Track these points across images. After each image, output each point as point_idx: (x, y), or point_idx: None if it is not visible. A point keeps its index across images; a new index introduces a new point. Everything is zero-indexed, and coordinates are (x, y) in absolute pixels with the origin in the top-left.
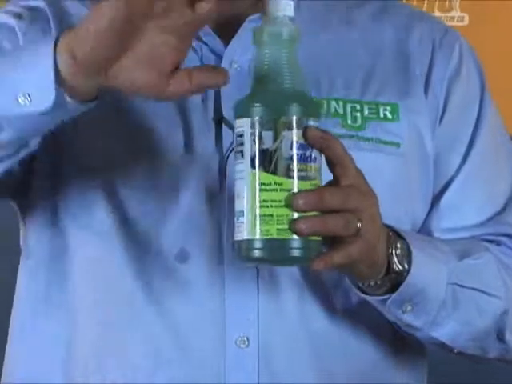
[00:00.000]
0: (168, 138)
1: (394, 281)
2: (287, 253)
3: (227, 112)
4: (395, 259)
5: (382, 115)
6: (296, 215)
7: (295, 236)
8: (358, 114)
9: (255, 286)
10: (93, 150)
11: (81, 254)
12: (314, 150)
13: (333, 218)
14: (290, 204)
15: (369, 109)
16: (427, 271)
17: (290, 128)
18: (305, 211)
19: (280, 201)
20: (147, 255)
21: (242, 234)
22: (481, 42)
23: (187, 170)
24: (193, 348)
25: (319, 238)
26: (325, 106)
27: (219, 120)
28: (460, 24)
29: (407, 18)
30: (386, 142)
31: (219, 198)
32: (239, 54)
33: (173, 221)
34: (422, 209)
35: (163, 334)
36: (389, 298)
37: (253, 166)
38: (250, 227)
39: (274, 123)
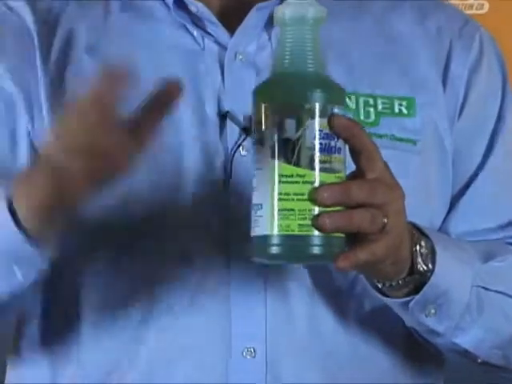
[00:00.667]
0: (167, 135)
1: (417, 281)
2: (309, 250)
3: (231, 106)
4: (419, 258)
5: (397, 110)
6: (318, 210)
7: (317, 232)
8: (371, 109)
9: (263, 293)
10: None
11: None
12: (339, 141)
13: (358, 212)
14: (312, 197)
15: (382, 103)
16: (452, 272)
17: (314, 116)
18: (329, 206)
19: (302, 194)
20: (152, 257)
21: (260, 228)
22: (500, 30)
23: (190, 168)
24: (197, 358)
25: (342, 235)
26: None
27: (223, 115)
28: (479, 12)
29: (424, 7)
30: (401, 139)
31: (224, 197)
32: (244, 45)
33: (175, 221)
34: (440, 209)
35: (170, 343)
36: (411, 301)
37: (273, 155)
38: (268, 222)
39: (297, 111)
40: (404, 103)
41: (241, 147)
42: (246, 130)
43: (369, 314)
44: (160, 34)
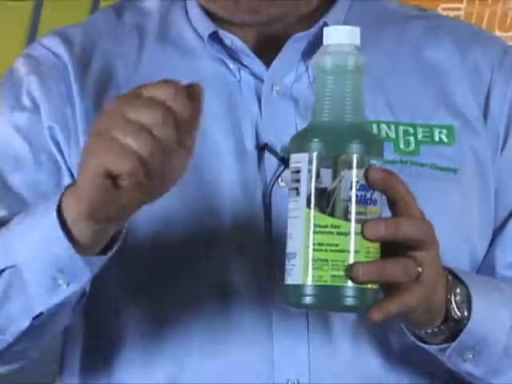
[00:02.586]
0: (207, 168)
1: (453, 328)
2: (342, 301)
3: (269, 137)
4: (454, 306)
5: (436, 138)
6: (352, 260)
7: (350, 283)
8: (411, 138)
9: (305, 328)
10: None
11: None
12: (376, 192)
13: (392, 264)
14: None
15: (422, 132)
16: (488, 318)
17: (351, 167)
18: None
19: (336, 245)
20: (191, 292)
21: (293, 277)
22: None
23: (229, 200)
24: None
25: (376, 286)
26: (375, 128)
27: (261, 147)
28: None
29: (464, 36)
30: (442, 168)
31: (264, 230)
32: (281, 76)
33: (216, 255)
34: (481, 240)
35: (213, 374)
36: (448, 347)
37: (308, 205)
38: (302, 271)
39: (334, 161)
40: (444, 131)
41: (279, 179)
42: (284, 162)
43: (412, 350)
44: (196, 67)
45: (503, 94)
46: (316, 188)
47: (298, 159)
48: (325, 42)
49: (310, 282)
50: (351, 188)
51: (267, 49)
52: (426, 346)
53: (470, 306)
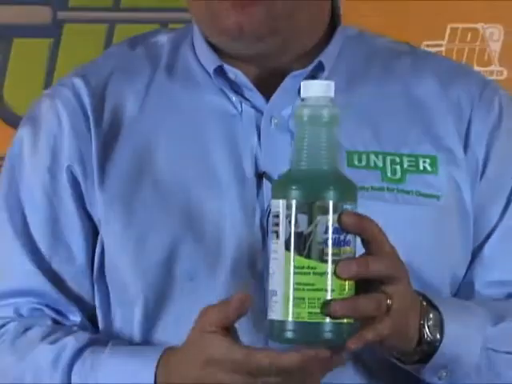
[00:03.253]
0: (209, 192)
1: (427, 350)
2: (320, 336)
3: (267, 166)
4: (427, 330)
5: (421, 167)
6: (329, 297)
7: (328, 319)
8: (398, 167)
9: None
10: None
11: None
12: (349, 234)
13: (365, 300)
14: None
15: (408, 161)
16: (460, 340)
17: (326, 212)
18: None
19: (313, 284)
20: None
21: (275, 313)
22: None
23: (230, 223)
24: None
25: (351, 320)
26: (364, 159)
27: (260, 174)
28: (499, 78)
29: (447, 72)
30: (426, 195)
31: (262, 255)
32: (279, 110)
33: (218, 276)
34: (462, 261)
35: None
36: (423, 367)
37: (287, 248)
38: (282, 308)
39: (310, 207)
40: (428, 161)
41: None
42: None
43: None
44: (201, 98)
45: (482, 126)
46: (294, 232)
47: (278, 205)
48: (302, 94)
49: (290, 318)
50: (326, 232)
51: (267, 83)
52: (404, 366)
53: (443, 329)
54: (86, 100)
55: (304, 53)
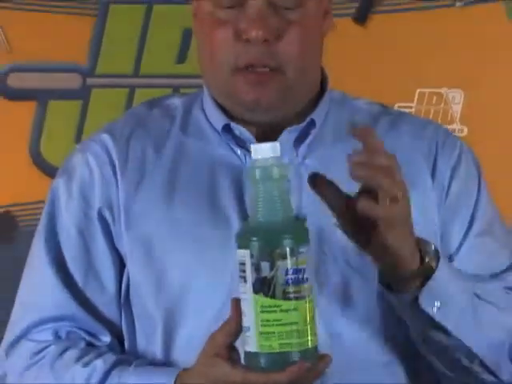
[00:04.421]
0: (220, 227)
1: (424, 275)
2: (290, 363)
3: None
4: (426, 255)
5: None
6: (295, 328)
7: (295, 348)
8: None
9: None
10: None
11: None
12: (306, 271)
13: (384, 170)
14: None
15: None
16: (452, 277)
17: (284, 257)
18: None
19: (280, 320)
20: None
21: (250, 346)
22: (479, 151)
23: (224, 251)
24: None
25: (316, 344)
26: None
27: None
28: (460, 135)
29: (418, 126)
30: None
31: None
32: None
33: (216, 304)
34: None
35: None
36: (421, 292)
37: (254, 291)
38: (255, 342)
39: (270, 255)
40: None
41: None
42: None
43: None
44: (210, 151)
45: (447, 161)
46: (258, 277)
47: (242, 254)
48: (253, 156)
49: (262, 350)
50: (286, 274)
51: (268, 137)
52: (402, 297)
53: (438, 262)
54: (113, 152)
55: (298, 112)
